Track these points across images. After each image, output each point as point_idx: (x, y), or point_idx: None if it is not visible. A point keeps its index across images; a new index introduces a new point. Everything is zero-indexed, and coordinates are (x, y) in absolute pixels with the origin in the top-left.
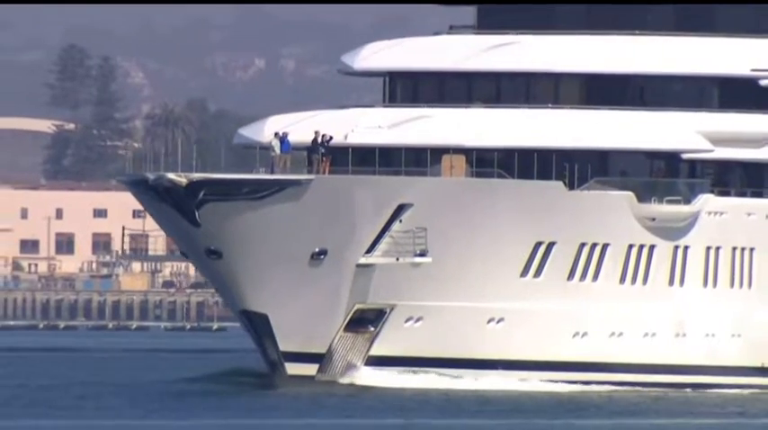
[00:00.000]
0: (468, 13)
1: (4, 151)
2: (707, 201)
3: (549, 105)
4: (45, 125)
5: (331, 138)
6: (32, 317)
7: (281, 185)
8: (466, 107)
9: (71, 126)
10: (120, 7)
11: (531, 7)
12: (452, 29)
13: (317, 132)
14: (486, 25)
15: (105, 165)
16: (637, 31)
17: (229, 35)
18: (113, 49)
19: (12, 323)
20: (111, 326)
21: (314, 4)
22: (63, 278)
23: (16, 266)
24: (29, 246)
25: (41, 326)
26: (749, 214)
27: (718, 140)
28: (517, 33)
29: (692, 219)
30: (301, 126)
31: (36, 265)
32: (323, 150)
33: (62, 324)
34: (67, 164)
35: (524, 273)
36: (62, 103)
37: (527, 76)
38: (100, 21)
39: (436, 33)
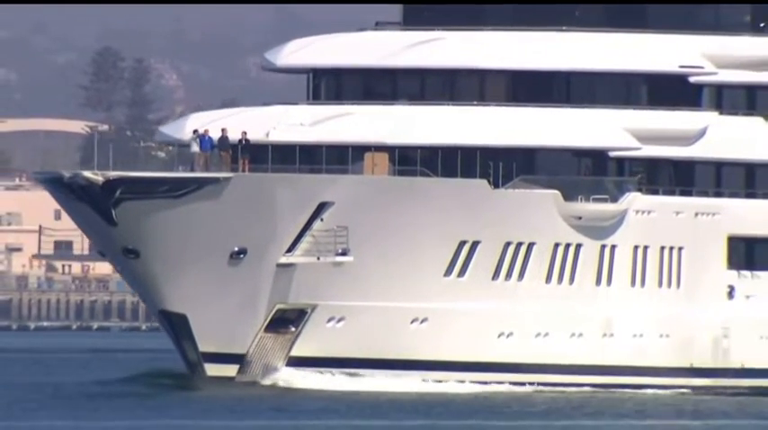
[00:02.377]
0: (397, 9)
1: (38, 152)
2: (634, 200)
3: (475, 102)
4: (78, 126)
5: (244, 137)
6: (66, 318)
7: (199, 183)
8: (390, 104)
9: (105, 127)
10: (154, 9)
11: (459, 5)
12: (378, 25)
13: (224, 130)
14: (412, 22)
15: (139, 166)
16: (564, 28)
17: (263, 37)
18: (147, 51)
19: (46, 324)
20: (144, 327)
21: (341, 4)
22: (97, 279)
23: (50, 267)
24: (62, 247)
25: (75, 327)
26: (677, 213)
27: (646, 138)
28: (443, 29)
29: (620, 218)
30: (222, 123)
31: (70, 267)
32: (221, 147)
33: (95, 325)
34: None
35: (448, 272)
36: (96, 104)
37: (452, 73)
38: (134, 23)
39: (361, 29)
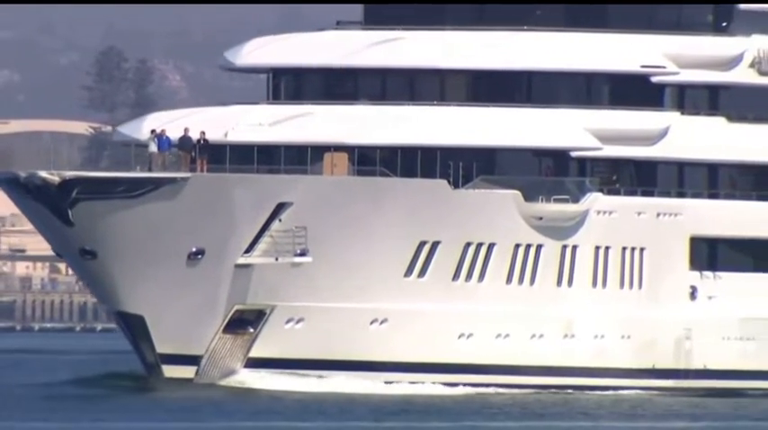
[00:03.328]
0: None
1: (42, 153)
2: (595, 200)
3: (435, 102)
4: (82, 127)
5: (203, 138)
6: (69, 319)
7: (156, 183)
8: (351, 104)
9: (108, 128)
10: (158, 9)
11: (420, 5)
12: (339, 24)
13: (186, 129)
14: (372, 21)
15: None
16: (525, 27)
17: None
18: (150, 51)
19: (49, 325)
20: None
21: (348, 4)
22: None
23: (53, 269)
24: None
25: (78, 328)
26: (639, 213)
27: (607, 138)
28: (404, 29)
29: (581, 219)
30: (181, 124)
31: None
32: (182, 147)
33: (99, 326)
34: (104, 166)
35: (408, 273)
36: (99, 105)
37: (412, 73)
38: (137, 23)
39: (321, 29)
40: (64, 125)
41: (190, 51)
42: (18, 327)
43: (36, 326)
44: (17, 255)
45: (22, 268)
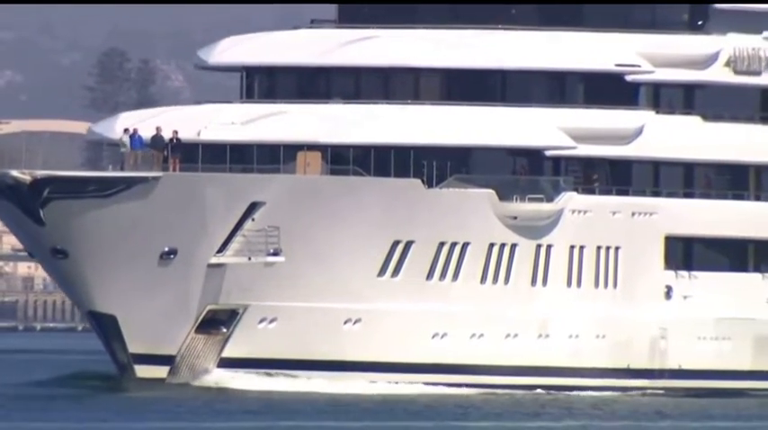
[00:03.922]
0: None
1: (43, 153)
2: (570, 199)
3: (409, 101)
4: (83, 127)
5: (175, 137)
6: (71, 319)
7: (128, 183)
8: (324, 103)
9: None
10: (160, 9)
11: (394, 4)
12: (313, 23)
13: (158, 128)
14: (347, 20)
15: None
16: (499, 26)
17: None
18: (153, 52)
19: (51, 325)
20: None
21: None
22: None
23: None
24: None
25: (80, 328)
26: (614, 212)
27: (582, 137)
28: (377, 28)
29: (555, 218)
30: (154, 122)
31: None
32: (154, 146)
33: None
34: (103, 166)
35: (382, 272)
36: (102, 105)
37: (386, 72)
38: (139, 24)
39: (296, 27)
40: (66, 125)
41: (192, 51)
42: (20, 327)
43: (38, 326)
44: (19, 254)
45: (24, 268)
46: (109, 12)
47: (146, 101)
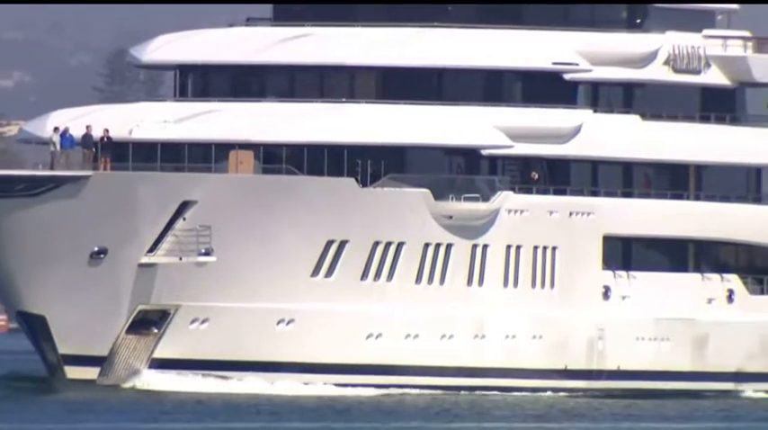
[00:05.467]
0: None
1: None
2: (506, 199)
3: (344, 100)
4: None
5: (107, 135)
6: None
7: (57, 182)
8: (259, 101)
9: None
10: (168, 9)
11: (331, 5)
12: (249, 21)
13: (88, 127)
14: (282, 17)
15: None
16: (436, 24)
17: None
18: None
19: None
20: None
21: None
22: None
23: None
24: None
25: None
26: (551, 212)
27: (519, 136)
28: (313, 25)
29: (491, 218)
30: (85, 121)
31: None
32: (84, 145)
33: None
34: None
35: (315, 272)
36: None
37: (321, 70)
38: (148, 24)
39: (231, 25)
40: None
41: None
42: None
43: None
44: None
45: None
46: (117, 12)
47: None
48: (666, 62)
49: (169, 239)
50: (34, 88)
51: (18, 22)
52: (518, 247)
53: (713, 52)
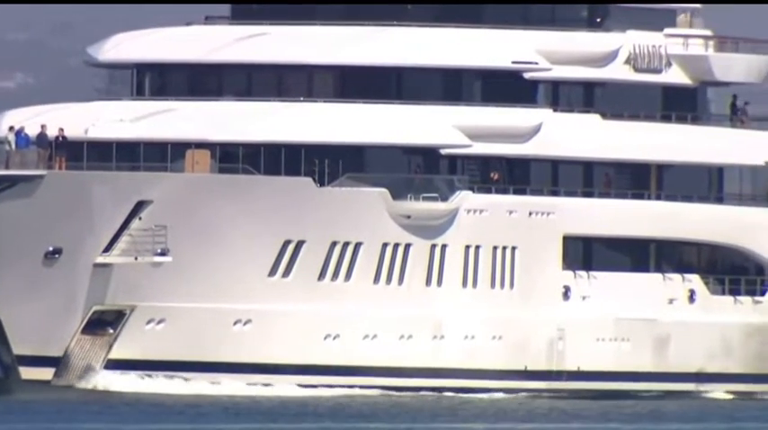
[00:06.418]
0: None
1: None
2: (465, 199)
3: (302, 99)
4: None
5: (62, 134)
6: None
7: (11, 181)
8: (216, 100)
9: None
10: (166, 8)
11: (289, 5)
12: (208, 19)
13: (43, 126)
14: (241, 16)
15: None
16: (395, 23)
17: None
18: None
19: None
20: None
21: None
22: None
23: None
24: None
25: None
26: (511, 212)
27: (479, 135)
28: (271, 24)
29: (450, 217)
30: (40, 120)
31: None
32: (39, 144)
33: None
34: None
35: (272, 272)
36: None
37: (279, 68)
38: (150, 24)
39: (189, 24)
40: None
41: None
42: None
43: None
44: None
45: None
46: (117, 12)
47: None
48: (627, 61)
49: (125, 239)
50: (36, 90)
51: (20, 22)
52: (477, 247)
53: (674, 51)
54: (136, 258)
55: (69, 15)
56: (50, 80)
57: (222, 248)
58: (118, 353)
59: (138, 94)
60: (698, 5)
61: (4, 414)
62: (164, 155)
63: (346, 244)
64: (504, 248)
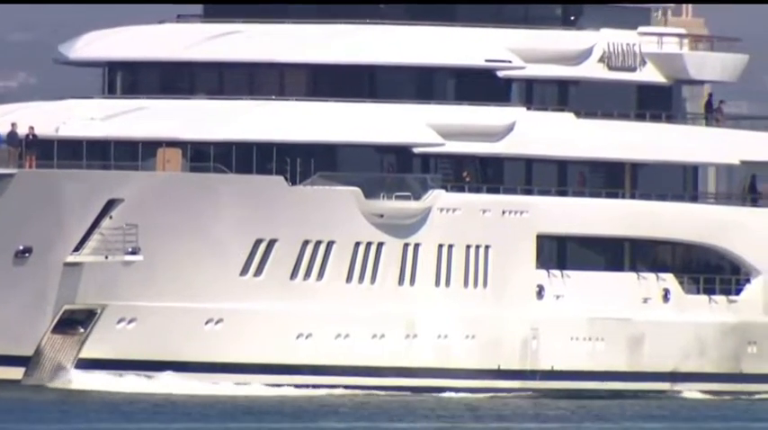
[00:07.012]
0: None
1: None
2: (438, 197)
3: (274, 97)
4: None
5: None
6: None
7: None
8: (188, 98)
9: None
10: (168, 8)
11: (261, 5)
12: (180, 17)
13: (13, 124)
14: (213, 15)
15: None
16: (368, 20)
17: None
18: None
19: None
20: None
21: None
22: None
23: None
24: None
25: None
26: (484, 211)
27: (452, 134)
28: (243, 22)
29: (423, 216)
30: (10, 118)
31: None
32: (9, 142)
33: None
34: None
35: (244, 271)
36: None
37: (251, 67)
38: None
39: (161, 22)
40: None
41: None
42: None
43: None
44: None
45: None
46: (118, 11)
47: None
48: (601, 59)
49: (95, 238)
50: (38, 90)
51: (22, 22)
52: (450, 246)
53: (648, 49)
54: (107, 257)
55: (69, 16)
56: (53, 81)
57: (193, 247)
58: (89, 352)
59: (110, 92)
60: (671, 4)
61: None
62: (135, 153)
63: (318, 243)
64: (478, 247)
